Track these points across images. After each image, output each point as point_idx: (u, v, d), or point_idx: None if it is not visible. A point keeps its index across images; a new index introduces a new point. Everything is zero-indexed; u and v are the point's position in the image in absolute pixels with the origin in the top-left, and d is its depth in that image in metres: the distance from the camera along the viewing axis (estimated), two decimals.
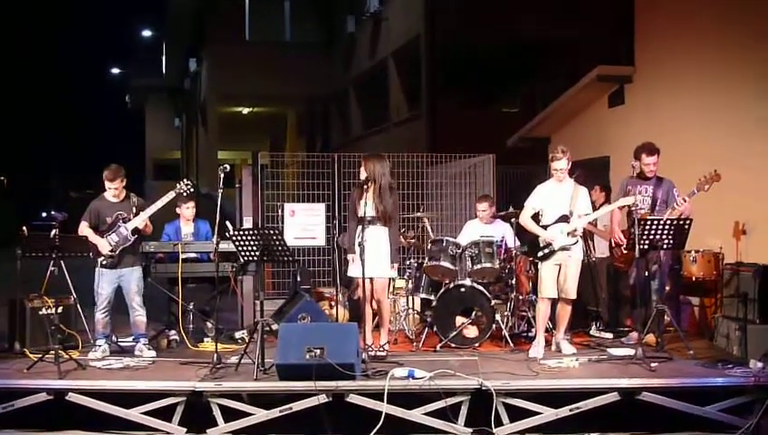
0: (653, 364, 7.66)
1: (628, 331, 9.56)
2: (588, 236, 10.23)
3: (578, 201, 8.61)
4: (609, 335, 9.64)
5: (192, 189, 9.34)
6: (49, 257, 8.31)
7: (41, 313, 9.11)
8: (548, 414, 7.15)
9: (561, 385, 7.35)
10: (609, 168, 13.14)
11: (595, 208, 9.32)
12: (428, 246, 9.86)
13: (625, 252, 9.12)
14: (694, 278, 9.53)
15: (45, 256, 8.33)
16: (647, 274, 8.69)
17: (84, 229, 8.83)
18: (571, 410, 7.14)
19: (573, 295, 8.62)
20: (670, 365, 7.86)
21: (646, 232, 8.22)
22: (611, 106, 13.59)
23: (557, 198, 8.67)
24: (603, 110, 13.80)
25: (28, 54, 54.20)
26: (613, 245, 9.49)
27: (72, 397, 7.39)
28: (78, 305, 9.70)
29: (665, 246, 8.37)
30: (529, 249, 9.02)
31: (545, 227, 8.65)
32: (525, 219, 8.88)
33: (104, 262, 8.80)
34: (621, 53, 13.84)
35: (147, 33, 45.10)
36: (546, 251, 8.60)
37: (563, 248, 8.54)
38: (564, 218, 8.57)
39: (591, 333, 9.80)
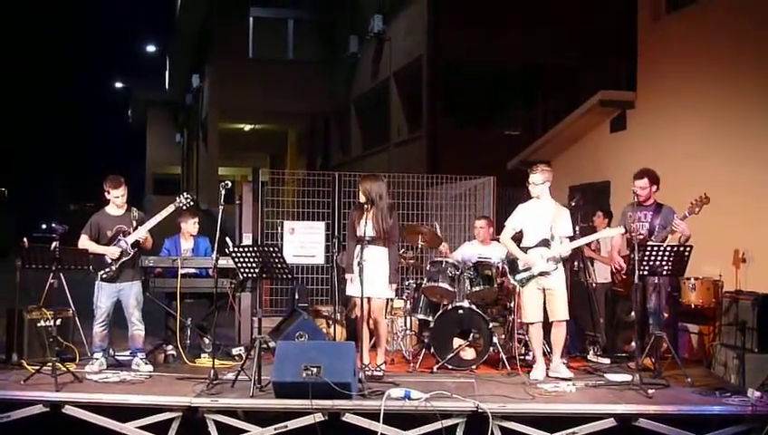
0: (650, 391, 7.65)
1: (625, 356, 9.55)
2: (588, 261, 10.24)
3: (559, 223, 8.63)
4: (607, 361, 9.62)
5: (192, 203, 9.35)
6: (49, 270, 8.30)
7: (39, 325, 9.12)
8: None
9: (557, 410, 7.33)
10: (609, 193, 13.18)
11: (594, 233, 9.35)
12: (427, 267, 9.87)
13: (625, 277, 9.14)
14: (692, 305, 9.55)
15: (45, 268, 8.32)
16: (645, 300, 8.70)
17: (85, 242, 8.83)
18: None
19: (563, 317, 8.62)
20: (667, 392, 7.85)
21: (646, 258, 8.23)
22: (613, 131, 13.65)
23: (538, 219, 8.69)
24: (605, 134, 13.85)
25: (31, 66, 54.29)
26: (613, 270, 9.50)
27: (68, 410, 7.37)
28: (76, 318, 9.69)
29: (664, 273, 8.37)
30: (509, 269, 9.00)
31: (526, 250, 8.66)
32: (505, 240, 8.90)
33: (104, 275, 8.80)
34: (624, 78, 13.92)
35: (151, 48, 45.30)
36: (526, 275, 8.62)
37: (543, 273, 8.56)
38: (545, 242, 8.59)
39: (589, 358, 9.79)
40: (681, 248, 8.30)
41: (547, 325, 8.80)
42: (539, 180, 8.71)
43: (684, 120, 11.78)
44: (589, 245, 10.02)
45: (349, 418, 7.17)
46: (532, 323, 8.69)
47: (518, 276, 8.68)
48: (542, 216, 8.67)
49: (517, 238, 8.88)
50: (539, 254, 8.57)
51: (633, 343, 9.01)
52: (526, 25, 18.98)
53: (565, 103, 16.31)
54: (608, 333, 10.11)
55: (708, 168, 10.88)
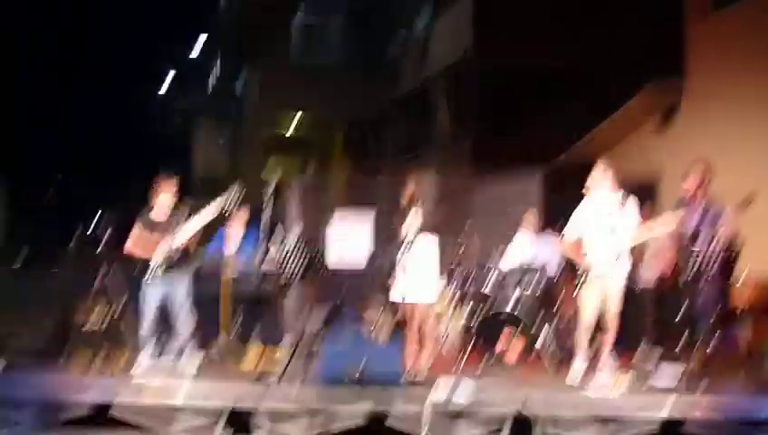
0: (699, 393, 7.53)
1: (672, 359, 9.41)
2: (635, 262, 10.11)
3: (623, 219, 8.50)
4: (654, 363, 9.49)
5: (238, 204, 9.38)
6: (97, 272, 8.39)
7: (87, 326, 9.20)
8: None
9: (603, 412, 7.25)
10: (658, 189, 13.02)
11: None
12: (472, 271, 9.82)
13: (672, 278, 9.01)
14: (741, 306, 9.37)
15: (94, 270, 8.41)
16: (694, 301, 8.58)
17: (132, 244, 8.90)
18: None
19: (615, 320, 8.51)
20: (715, 396, 7.71)
21: (694, 257, 8.10)
22: (660, 128, 13.48)
23: (597, 219, 8.57)
24: (651, 132, 13.69)
25: (75, 76, 55.08)
26: (660, 270, 9.38)
27: (115, 411, 7.43)
28: (125, 319, 9.77)
29: (714, 272, 8.23)
30: (571, 272, 8.93)
31: (587, 250, 8.56)
32: (566, 248, 8.80)
33: (151, 276, 8.86)
34: (672, 73, 13.74)
35: (194, 54, 45.63)
36: (585, 277, 8.51)
37: (603, 274, 8.45)
38: (605, 241, 8.47)
39: (636, 360, 9.66)
40: (730, 248, 8.17)
41: (595, 328, 8.69)
42: (599, 175, 8.60)
43: (734, 115, 11.61)
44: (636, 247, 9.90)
45: (392, 421, 7.14)
46: (584, 323, 8.56)
47: (579, 278, 8.57)
48: (601, 215, 8.55)
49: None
50: (599, 253, 8.45)
51: (680, 346, 8.90)
52: (571, 22, 18.80)
53: (612, 101, 16.13)
54: (655, 335, 9.98)
55: (759, 162, 10.71)
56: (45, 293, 11.16)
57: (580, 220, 8.68)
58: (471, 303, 9.77)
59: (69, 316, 9.28)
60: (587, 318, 8.49)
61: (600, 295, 8.46)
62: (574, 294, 8.81)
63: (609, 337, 8.55)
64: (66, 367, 8.98)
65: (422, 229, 8.54)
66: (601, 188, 8.59)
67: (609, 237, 8.43)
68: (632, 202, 8.58)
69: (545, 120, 21.39)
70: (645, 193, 12.54)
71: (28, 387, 8.07)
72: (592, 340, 8.75)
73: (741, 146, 11.27)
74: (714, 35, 12.30)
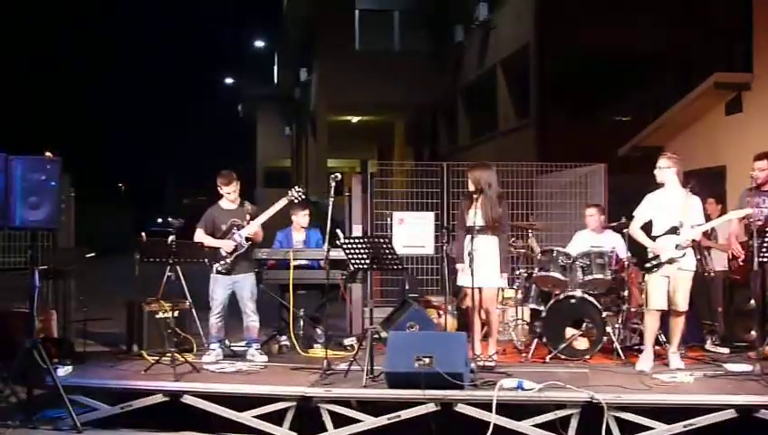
0: None
1: (745, 346, 9.29)
2: (705, 249, 9.98)
3: (690, 211, 8.39)
4: (725, 350, 9.37)
5: (303, 196, 9.46)
6: (166, 263, 8.53)
7: (158, 317, 9.37)
8: (661, 430, 6.97)
9: (674, 400, 7.16)
10: (725, 177, 12.82)
11: (709, 221, 9.09)
12: (538, 256, 9.78)
13: (743, 265, 8.88)
14: None
15: (162, 261, 8.55)
16: (765, 288, 8.44)
17: (200, 236, 9.04)
18: (684, 427, 6.94)
19: (684, 308, 8.39)
20: None
21: (765, 244, 7.97)
22: (728, 114, 13.28)
23: (667, 208, 8.45)
24: (720, 118, 13.48)
25: (144, 66, 55.88)
26: (730, 257, 9.24)
27: (186, 399, 7.56)
28: (193, 310, 9.94)
29: None
30: (639, 260, 8.85)
31: (655, 238, 8.46)
32: (634, 230, 8.70)
33: (219, 268, 8.99)
34: (739, 59, 13.51)
35: (259, 43, 46.03)
36: (654, 263, 8.41)
37: (671, 260, 8.34)
38: (674, 230, 8.36)
39: (707, 347, 9.55)
40: None
41: (664, 315, 8.60)
42: (663, 165, 8.49)
43: None
44: (706, 233, 9.78)
45: (461, 408, 7.15)
46: (653, 311, 8.46)
47: (647, 265, 8.48)
48: (670, 204, 8.44)
49: (646, 229, 8.68)
50: (667, 241, 8.35)
51: (753, 332, 8.77)
52: (636, 9, 18.56)
53: (677, 88, 15.91)
54: (726, 323, 9.85)
55: None
56: (119, 281, 11.41)
57: (650, 205, 8.59)
58: (539, 288, 9.72)
59: (142, 304, 9.45)
60: (655, 304, 8.40)
61: (668, 282, 8.36)
62: (643, 280, 8.74)
63: (680, 323, 8.45)
64: (139, 354, 9.17)
65: (488, 216, 8.52)
66: (668, 179, 8.47)
67: (676, 226, 8.32)
68: (696, 199, 8.46)
69: (611, 107, 21.20)
70: (712, 180, 12.39)
71: (103, 374, 8.28)
72: (663, 326, 8.66)
73: None
74: None
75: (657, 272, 8.37)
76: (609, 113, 21.63)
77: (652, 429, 6.98)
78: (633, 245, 9.13)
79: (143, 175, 57.17)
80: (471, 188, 8.67)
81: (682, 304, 8.37)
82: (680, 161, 8.58)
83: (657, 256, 8.36)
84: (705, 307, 9.88)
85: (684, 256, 8.32)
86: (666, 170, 8.48)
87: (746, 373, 7.81)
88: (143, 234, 9.32)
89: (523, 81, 21.30)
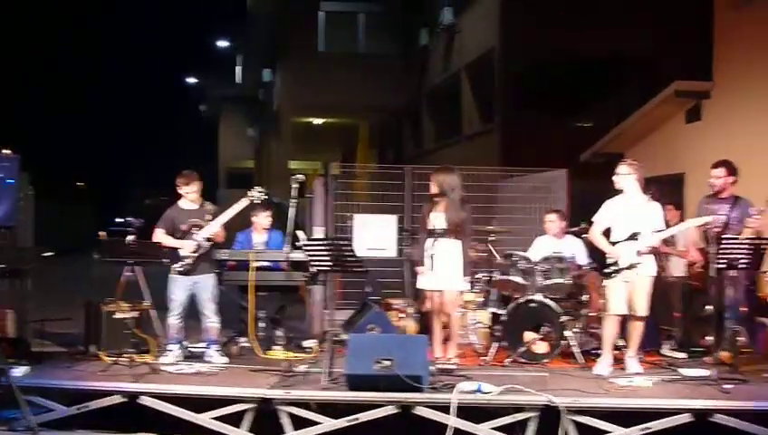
0: (727, 386, 7.51)
1: (701, 351, 9.39)
2: (664, 255, 10.08)
3: (650, 218, 8.48)
4: (683, 355, 9.47)
5: (264, 197, 9.42)
6: (125, 263, 8.47)
7: (116, 317, 9.28)
8: (618, 434, 7.05)
9: (631, 404, 7.24)
10: (683, 185, 12.96)
11: (668, 227, 9.19)
12: (499, 260, 9.81)
13: (701, 271, 8.98)
14: None
15: (122, 261, 8.48)
16: (722, 294, 8.55)
17: (160, 236, 8.97)
18: (641, 431, 7.03)
19: (643, 313, 8.48)
20: (745, 387, 7.67)
21: (722, 251, 8.07)
22: (688, 122, 13.41)
23: (627, 215, 8.54)
24: (680, 126, 13.63)
25: (107, 63, 55.42)
26: (689, 264, 9.34)
27: (144, 400, 7.52)
28: (152, 311, 9.86)
29: (741, 266, 8.19)
30: (599, 266, 8.92)
31: (614, 244, 8.54)
32: (595, 235, 8.77)
33: (178, 269, 8.94)
34: (699, 68, 13.65)
35: (223, 43, 45.78)
36: (614, 268, 8.49)
37: (631, 266, 8.42)
38: (634, 236, 8.44)
39: (664, 352, 9.64)
40: (758, 241, 8.12)
41: (622, 320, 8.68)
42: (623, 172, 8.57)
43: (761, 112, 11.52)
44: (665, 240, 9.88)
45: (420, 411, 7.18)
46: (613, 317, 8.54)
47: (606, 270, 8.56)
48: (630, 210, 8.52)
49: (605, 235, 8.75)
50: (627, 247, 8.43)
51: (709, 338, 8.86)
52: (600, 15, 18.70)
53: (639, 94, 16.03)
54: (683, 328, 9.94)
55: None
56: (77, 281, 11.30)
57: (610, 211, 8.66)
58: (500, 291, 9.76)
59: (100, 305, 9.36)
60: (615, 309, 8.48)
61: (627, 287, 8.44)
62: (602, 284, 8.81)
63: (639, 328, 8.53)
64: (97, 355, 9.08)
65: (451, 219, 8.55)
66: (628, 185, 8.55)
67: (635, 233, 8.41)
68: (656, 205, 8.55)
69: (574, 113, 21.34)
70: (671, 187, 12.51)
71: (60, 375, 8.19)
72: (621, 331, 8.75)
73: (764, 144, 11.19)
74: (741, 32, 12.20)
75: (617, 277, 8.46)
76: (572, 119, 21.77)
77: (609, 432, 7.06)
78: (593, 250, 9.20)
79: (103, 174, 56.68)
80: (435, 191, 8.68)
81: (642, 308, 8.45)
82: (640, 168, 8.67)
83: (616, 262, 8.44)
84: (664, 313, 9.97)
85: (642, 263, 8.41)
86: (625, 177, 8.57)
87: (702, 378, 7.90)
88: (102, 233, 9.21)
89: (488, 85, 21.37)
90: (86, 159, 51.52)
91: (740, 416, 6.98)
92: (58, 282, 12.82)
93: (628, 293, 8.45)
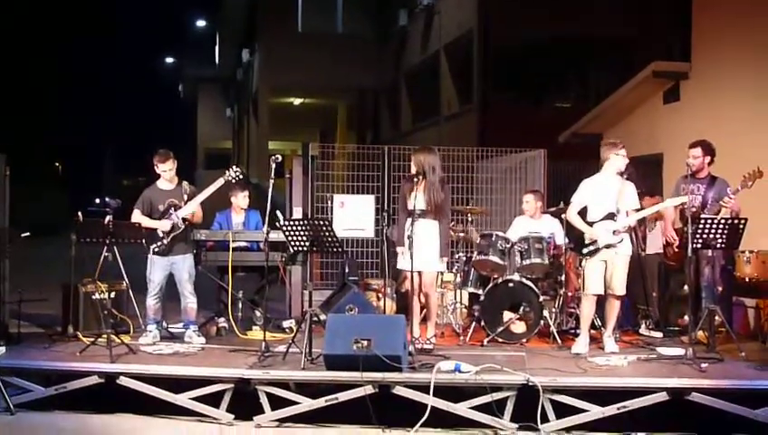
0: (703, 365, 7.57)
1: (678, 330, 9.46)
2: (639, 233, 10.14)
3: (625, 197, 8.52)
4: (659, 334, 9.53)
5: (241, 176, 9.38)
6: (103, 244, 8.43)
7: (94, 298, 9.26)
8: (595, 412, 7.10)
9: (608, 383, 7.28)
10: (662, 165, 13.01)
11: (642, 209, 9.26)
12: (477, 241, 9.84)
13: (677, 250, 9.03)
14: (747, 279, 9.38)
15: (99, 242, 8.44)
16: (699, 273, 8.61)
17: (137, 217, 8.93)
18: (618, 409, 7.08)
19: (620, 292, 8.54)
20: (721, 366, 7.74)
21: (699, 231, 8.11)
22: (666, 103, 13.45)
23: (604, 194, 8.57)
24: (658, 106, 13.65)
25: (83, 43, 54.88)
26: (666, 243, 9.39)
27: (122, 381, 7.50)
28: (130, 291, 9.83)
29: (718, 246, 8.24)
30: (575, 245, 8.95)
31: (591, 224, 8.58)
32: (572, 215, 8.80)
33: (156, 249, 8.90)
34: (678, 48, 13.69)
35: (200, 23, 45.50)
36: (591, 248, 8.52)
37: (609, 246, 8.46)
38: (611, 216, 8.48)
39: (641, 331, 9.70)
40: (735, 221, 8.16)
41: (600, 299, 8.74)
42: (623, 153, 8.61)
43: (738, 92, 11.56)
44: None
45: (399, 390, 7.20)
46: (590, 296, 8.59)
47: (584, 250, 8.59)
48: (609, 191, 8.55)
49: (582, 213, 8.78)
50: (604, 227, 8.47)
51: (686, 317, 8.92)
52: None
53: (618, 75, 16.07)
54: (660, 307, 10.01)
55: (763, 140, 10.68)
56: (54, 262, 11.24)
57: (587, 190, 8.69)
58: (478, 272, 9.78)
59: (78, 286, 9.32)
60: (592, 289, 8.53)
61: (605, 267, 8.49)
62: (581, 265, 8.85)
63: (616, 307, 8.59)
64: (75, 336, 9.04)
65: (431, 200, 8.54)
66: (607, 165, 8.58)
67: (613, 212, 8.45)
68: (631, 185, 8.58)
69: (553, 94, 21.40)
70: (649, 167, 12.56)
71: (37, 356, 8.15)
72: (599, 310, 8.80)
73: (742, 125, 11.25)
74: (718, 14, 12.23)
75: (595, 257, 8.50)
76: (551, 100, 21.82)
77: (587, 411, 7.10)
78: (570, 230, 9.24)
79: (81, 155, 56.24)
80: (414, 170, 8.66)
81: (619, 288, 8.50)
82: (610, 147, 8.68)
83: (594, 242, 8.48)
84: (641, 292, 10.03)
85: (621, 241, 8.46)
86: (605, 159, 8.58)
87: (679, 357, 7.95)
88: (80, 214, 9.14)
89: (466, 66, 21.37)
90: (63, 140, 51.07)
91: (716, 395, 7.03)
92: (35, 263, 12.74)
93: (605, 272, 8.50)
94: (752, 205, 8.70)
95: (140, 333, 9.12)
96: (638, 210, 8.66)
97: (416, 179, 8.59)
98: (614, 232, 8.42)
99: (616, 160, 8.57)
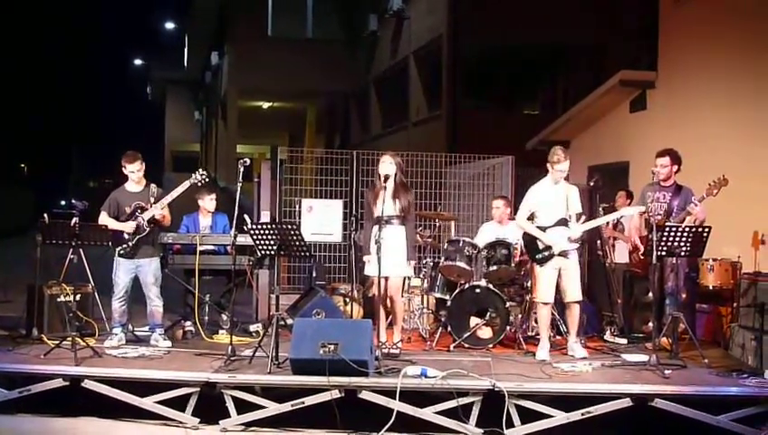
0: (667, 371, 7.64)
1: (642, 337, 9.54)
2: (609, 241, 10.23)
3: (570, 201, 8.60)
4: (624, 341, 9.60)
5: (207, 179, 9.36)
6: (68, 245, 8.37)
7: (59, 300, 9.20)
8: (559, 417, 7.14)
9: (573, 389, 7.34)
10: (628, 173, 13.12)
11: (614, 212, 9.34)
12: (445, 246, 9.87)
13: (642, 257, 9.11)
14: (710, 287, 9.49)
15: (65, 243, 8.38)
16: (663, 280, 8.69)
17: (104, 219, 8.87)
18: (582, 415, 7.13)
19: (577, 297, 8.61)
20: (684, 373, 7.82)
21: (664, 239, 8.18)
22: (633, 111, 13.58)
23: (552, 200, 8.64)
24: (624, 115, 13.78)
25: (50, 43, 54.46)
26: (631, 250, 9.48)
27: (87, 384, 7.45)
28: (96, 294, 9.77)
29: (682, 254, 8.32)
30: (528, 251, 8.97)
31: (544, 229, 8.64)
32: (522, 222, 8.84)
33: (121, 251, 8.86)
34: (644, 58, 13.82)
35: (170, 25, 45.28)
36: (546, 254, 8.57)
37: (563, 253, 8.54)
38: (563, 222, 8.55)
39: (606, 338, 9.77)
40: (699, 229, 8.24)
41: (561, 305, 8.80)
42: (567, 168, 8.66)
43: (704, 102, 11.70)
44: (613, 225, 10.08)
45: (365, 395, 7.20)
46: (544, 304, 8.67)
47: (538, 256, 8.65)
48: (557, 196, 8.62)
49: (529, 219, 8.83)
50: (559, 233, 8.54)
51: (650, 324, 9.00)
52: (547, 4, 18.83)
53: (585, 83, 16.22)
54: (625, 314, 10.08)
55: (728, 149, 10.81)
56: (19, 264, 11.14)
57: (534, 196, 8.76)
58: (445, 277, 9.81)
59: (43, 287, 9.24)
60: (544, 297, 8.61)
61: (557, 274, 8.56)
62: (533, 271, 8.90)
63: (577, 312, 8.65)
64: (39, 338, 8.97)
65: (396, 205, 8.57)
66: (557, 171, 8.64)
67: (564, 218, 8.52)
68: (575, 188, 8.68)
69: (521, 101, 21.52)
70: (616, 175, 12.68)
71: (0, 358, 8.07)
72: (563, 316, 8.86)
73: (707, 133, 11.38)
74: (684, 24, 12.37)
75: (548, 265, 8.57)
76: (519, 107, 21.94)
77: (552, 416, 7.15)
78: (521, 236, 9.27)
79: (46, 156, 55.77)
80: (380, 176, 8.65)
81: (576, 293, 8.59)
82: (555, 154, 8.74)
83: (548, 248, 8.54)
84: (606, 298, 10.12)
85: (574, 248, 8.54)
86: (558, 165, 8.64)
87: (642, 364, 8.02)
88: (45, 215, 9.07)
89: (435, 72, 21.42)
90: (30, 141, 50.63)
91: (679, 401, 7.11)
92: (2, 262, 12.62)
93: (558, 279, 8.57)
94: (716, 213, 8.80)
95: (106, 336, 9.06)
96: (583, 215, 8.73)
97: (382, 185, 8.60)
98: (568, 239, 8.51)
99: (554, 174, 8.66)
